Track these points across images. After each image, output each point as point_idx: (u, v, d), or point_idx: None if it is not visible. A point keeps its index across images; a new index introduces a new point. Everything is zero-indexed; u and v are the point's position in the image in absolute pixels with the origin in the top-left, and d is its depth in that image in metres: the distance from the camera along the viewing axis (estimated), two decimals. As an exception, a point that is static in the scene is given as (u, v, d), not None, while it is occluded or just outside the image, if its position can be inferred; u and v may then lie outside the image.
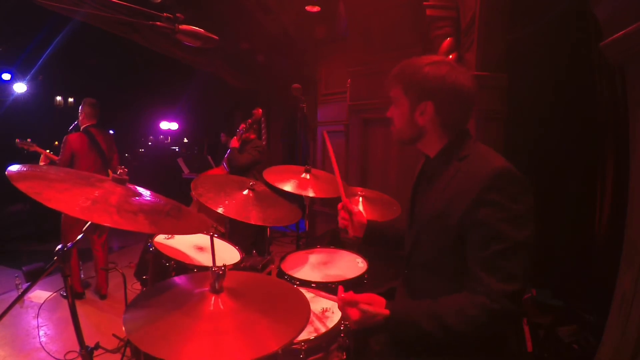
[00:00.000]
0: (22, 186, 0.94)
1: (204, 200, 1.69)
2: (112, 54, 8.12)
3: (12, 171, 1.00)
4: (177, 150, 13.43)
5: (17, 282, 3.18)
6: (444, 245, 1.11)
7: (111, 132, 8.78)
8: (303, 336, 1.25)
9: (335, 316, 1.43)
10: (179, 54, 5.62)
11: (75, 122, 3.39)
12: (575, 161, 2.53)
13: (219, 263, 1.72)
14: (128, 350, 2.01)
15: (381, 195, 2.40)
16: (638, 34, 1.24)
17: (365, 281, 1.80)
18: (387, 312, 1.05)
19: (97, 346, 1.12)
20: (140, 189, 1.20)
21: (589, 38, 2.25)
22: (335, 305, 1.31)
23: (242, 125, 3.52)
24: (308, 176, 2.17)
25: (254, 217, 1.71)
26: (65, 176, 1.11)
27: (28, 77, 8.28)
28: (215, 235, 1.91)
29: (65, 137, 3.17)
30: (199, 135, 12.29)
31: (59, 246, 1.03)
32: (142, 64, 8.14)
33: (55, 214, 2.72)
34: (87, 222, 1.04)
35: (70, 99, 10.51)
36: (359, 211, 1.50)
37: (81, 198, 0.99)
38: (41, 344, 2.49)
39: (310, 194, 2.07)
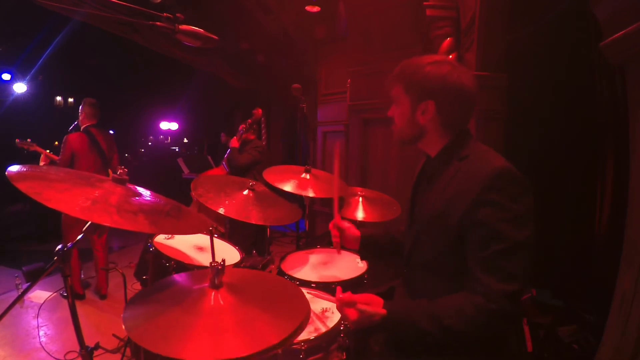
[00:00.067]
0: (22, 186, 0.94)
1: (203, 201, 1.69)
2: (112, 54, 8.13)
3: (12, 171, 1.00)
4: (177, 150, 13.44)
5: (17, 282, 3.18)
6: (444, 245, 1.11)
7: (111, 132, 8.77)
8: (303, 336, 1.25)
9: (335, 316, 1.43)
10: (179, 54, 5.62)
11: (76, 122, 3.39)
12: (575, 161, 2.53)
13: (219, 263, 1.72)
14: (128, 350, 2.01)
15: (381, 195, 2.40)
16: (638, 34, 1.24)
17: (365, 281, 1.80)
18: (384, 311, 1.05)
19: (97, 346, 1.13)
20: (140, 189, 1.21)
21: (589, 38, 2.25)
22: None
23: (242, 126, 3.52)
24: (308, 176, 2.17)
25: (254, 217, 1.71)
26: (65, 176, 1.11)
27: (28, 77, 8.29)
28: (215, 236, 1.91)
29: (65, 137, 3.17)
30: (199, 135, 12.30)
31: (59, 246, 1.03)
32: (142, 64, 8.15)
33: (56, 214, 2.72)
34: (87, 222, 1.04)
35: (70, 99, 10.53)
36: (350, 225, 1.49)
37: (81, 198, 0.99)
38: (41, 344, 2.49)
39: (310, 194, 2.06)
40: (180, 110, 11.84)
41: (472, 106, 1.16)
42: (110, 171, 3.29)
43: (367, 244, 1.48)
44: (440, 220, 1.10)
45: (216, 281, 0.99)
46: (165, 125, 12.93)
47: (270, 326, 0.91)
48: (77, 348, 1.07)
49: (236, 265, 1.85)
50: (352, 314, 1.06)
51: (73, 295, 1.08)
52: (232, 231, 2.63)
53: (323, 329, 1.35)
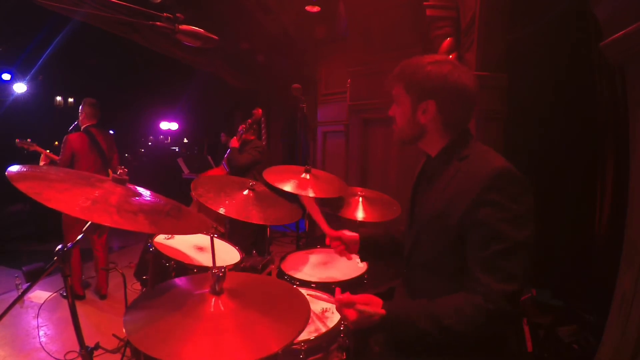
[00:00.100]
0: (22, 186, 0.94)
1: (203, 201, 1.69)
2: (112, 54, 8.13)
3: (12, 171, 1.00)
4: (177, 150, 13.44)
5: (17, 282, 3.17)
6: (444, 246, 1.11)
7: (111, 132, 8.78)
8: (303, 336, 1.25)
9: (335, 316, 1.43)
10: (179, 54, 5.62)
11: (76, 122, 3.39)
12: (575, 161, 2.53)
13: (218, 263, 1.72)
14: (128, 350, 2.01)
15: (381, 195, 2.40)
16: (638, 34, 1.24)
17: (365, 281, 1.80)
18: (384, 311, 1.05)
19: (97, 346, 1.12)
20: (140, 189, 1.20)
21: (589, 38, 2.25)
22: (336, 305, 1.31)
23: (243, 126, 3.52)
24: (308, 176, 2.16)
25: (254, 217, 1.71)
26: (65, 176, 1.10)
27: (28, 77, 8.29)
28: (215, 236, 1.91)
29: (65, 137, 3.17)
30: (199, 135, 12.30)
31: (59, 246, 1.03)
32: (142, 64, 8.14)
33: (56, 214, 2.73)
34: (87, 223, 1.04)
35: (70, 99, 10.53)
36: (344, 231, 1.50)
37: (81, 198, 0.99)
38: (41, 344, 2.49)
39: (310, 194, 2.06)
40: (180, 110, 11.84)
41: (472, 106, 1.16)
42: (110, 171, 3.29)
43: (367, 244, 1.48)
44: (440, 220, 1.10)
45: (217, 287, 0.99)
46: (165, 125, 12.93)
47: (270, 330, 0.91)
48: (77, 348, 1.06)
49: (236, 265, 1.85)
50: (351, 315, 1.06)
51: (73, 295, 1.08)
52: (232, 231, 2.62)
53: (323, 329, 1.35)
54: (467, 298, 1.01)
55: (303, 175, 2.17)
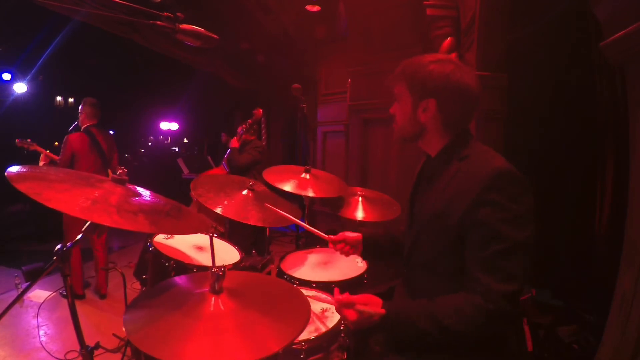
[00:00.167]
0: (22, 187, 0.94)
1: (203, 201, 1.69)
2: (112, 54, 8.13)
3: (11, 172, 1.00)
4: (177, 150, 13.44)
5: (17, 281, 3.17)
6: (444, 245, 1.11)
7: (111, 132, 8.78)
8: (303, 336, 1.25)
9: (335, 316, 1.43)
10: (179, 53, 5.62)
11: (76, 122, 3.38)
12: (575, 161, 2.53)
13: (218, 263, 1.72)
14: (128, 350, 2.01)
15: (381, 195, 2.40)
16: (638, 34, 1.24)
17: (365, 281, 1.80)
18: (383, 311, 1.05)
19: (97, 346, 1.12)
20: (140, 189, 1.20)
21: (589, 38, 2.25)
22: (336, 304, 1.31)
23: (243, 126, 3.52)
24: (308, 176, 2.17)
25: (253, 218, 1.71)
26: (65, 177, 1.11)
27: (28, 77, 8.29)
28: (215, 235, 1.91)
29: (66, 137, 3.17)
30: (199, 135, 12.30)
31: (59, 246, 1.03)
32: (142, 64, 8.15)
33: (56, 214, 2.72)
34: (87, 223, 1.04)
35: (70, 99, 10.52)
36: (345, 233, 1.49)
37: (81, 198, 0.99)
38: (41, 344, 2.49)
39: (310, 193, 2.07)
40: (180, 110, 11.84)
41: (474, 106, 1.16)
42: (110, 171, 3.29)
43: (368, 244, 1.48)
44: (440, 220, 1.10)
45: (217, 287, 0.99)
46: (165, 125, 12.93)
47: (270, 330, 0.91)
48: (77, 347, 1.06)
49: (236, 264, 1.85)
50: (351, 315, 1.06)
51: (73, 294, 1.08)
52: (231, 231, 2.62)
53: (323, 329, 1.35)
54: (467, 298, 1.01)
55: (303, 175, 2.17)
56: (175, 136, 14.33)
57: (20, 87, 8.33)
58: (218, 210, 1.67)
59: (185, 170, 6.77)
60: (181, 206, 1.26)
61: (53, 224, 3.54)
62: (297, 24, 4.69)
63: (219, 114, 8.63)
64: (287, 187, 2.06)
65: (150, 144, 14.49)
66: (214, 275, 0.98)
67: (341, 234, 1.49)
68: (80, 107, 3.33)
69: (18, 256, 4.35)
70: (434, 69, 1.11)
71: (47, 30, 6.43)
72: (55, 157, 3.30)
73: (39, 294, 3.08)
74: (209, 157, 7.08)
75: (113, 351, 2.35)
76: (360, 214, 2.22)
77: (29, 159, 3.56)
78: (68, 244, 1.04)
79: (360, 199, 2.29)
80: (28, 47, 7.22)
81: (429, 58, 1.14)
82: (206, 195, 1.73)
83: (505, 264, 0.98)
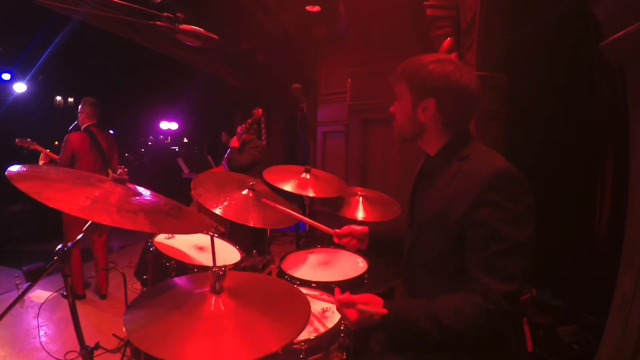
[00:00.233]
0: (22, 186, 0.94)
1: (203, 201, 1.68)
2: (112, 54, 8.12)
3: (12, 171, 1.00)
4: (177, 150, 13.44)
5: (17, 282, 3.17)
6: (444, 245, 1.11)
7: (111, 131, 8.78)
8: (303, 336, 1.25)
9: (335, 316, 1.43)
10: (179, 53, 5.62)
11: (75, 122, 3.38)
12: (575, 161, 2.53)
13: (219, 263, 1.72)
14: (128, 350, 2.01)
15: (381, 195, 2.40)
16: (638, 34, 1.24)
17: (366, 281, 1.80)
18: (384, 311, 1.05)
19: (97, 346, 1.13)
20: (140, 189, 1.21)
21: (589, 38, 2.25)
22: (336, 304, 1.31)
23: (243, 126, 3.52)
24: (308, 176, 2.17)
25: (253, 219, 1.70)
26: (65, 176, 1.11)
27: (28, 77, 8.28)
28: (216, 235, 1.91)
29: (66, 136, 3.17)
30: (199, 135, 12.29)
31: (59, 246, 1.03)
32: (142, 64, 8.14)
33: (56, 214, 2.72)
34: (87, 222, 1.04)
35: (70, 99, 10.51)
36: (352, 226, 1.50)
37: (81, 197, 0.99)
38: (41, 344, 2.49)
39: (310, 193, 2.07)
40: (180, 110, 11.84)
41: (473, 106, 1.16)
42: (110, 171, 3.29)
43: (375, 241, 1.49)
44: (440, 220, 1.10)
45: (217, 286, 0.99)
46: (165, 125, 12.93)
47: (270, 330, 0.91)
48: (77, 348, 1.07)
49: (236, 264, 1.85)
50: (352, 315, 1.06)
51: (73, 295, 1.08)
52: (232, 231, 2.62)
53: (323, 329, 1.35)
54: (467, 298, 1.01)
55: (303, 175, 2.17)
56: (175, 136, 14.33)
57: (20, 87, 8.33)
58: (217, 211, 1.66)
59: (186, 170, 6.77)
60: (181, 206, 1.26)
61: (53, 223, 3.53)
62: (297, 24, 4.68)
63: (219, 114, 8.63)
64: (288, 187, 2.06)
65: (150, 143, 14.49)
66: (215, 275, 0.98)
67: (347, 227, 1.49)
68: (80, 106, 3.33)
69: (18, 256, 4.35)
70: (434, 68, 1.12)
71: (47, 30, 6.42)
72: (55, 157, 3.30)
73: (39, 294, 3.08)
74: (209, 157, 7.07)
75: (113, 351, 2.35)
76: (360, 214, 2.22)
77: (29, 158, 3.57)
78: (69, 244, 1.04)
79: (360, 199, 2.29)
80: (28, 47, 7.21)
81: (429, 58, 1.15)
82: (206, 195, 1.73)
83: (505, 264, 0.98)
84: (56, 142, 5.48)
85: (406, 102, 1.18)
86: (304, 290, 1.24)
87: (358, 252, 2.03)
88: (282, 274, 1.80)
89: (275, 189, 2.03)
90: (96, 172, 2.93)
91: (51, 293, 2.96)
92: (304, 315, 0.99)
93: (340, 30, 4.37)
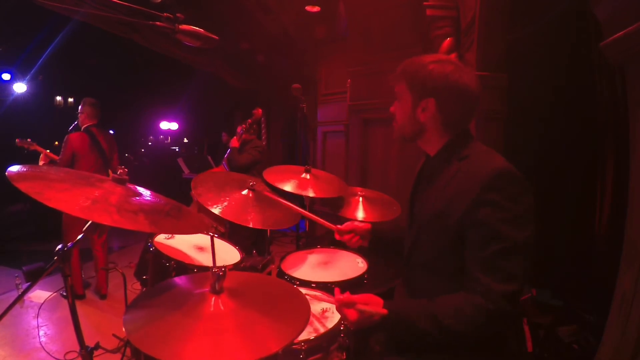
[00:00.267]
0: (22, 186, 0.94)
1: (202, 201, 1.68)
2: (112, 54, 8.13)
3: (12, 172, 1.00)
4: (177, 150, 13.44)
5: (17, 282, 3.17)
6: (444, 245, 1.11)
7: (111, 132, 8.78)
8: (303, 336, 1.25)
9: (335, 316, 1.43)
10: (179, 53, 5.62)
11: (76, 122, 3.38)
12: (575, 161, 2.53)
13: (219, 263, 1.72)
14: (128, 350, 2.01)
15: (381, 195, 2.40)
16: (638, 34, 1.24)
17: (366, 281, 1.80)
18: (384, 311, 1.05)
19: (97, 346, 1.13)
20: (140, 189, 1.20)
21: (589, 38, 2.25)
22: (336, 305, 1.31)
23: (242, 126, 3.52)
24: (308, 176, 2.17)
25: (253, 220, 1.70)
26: (65, 176, 1.11)
27: (28, 77, 8.29)
28: (215, 235, 1.91)
29: (66, 136, 3.17)
30: (199, 135, 12.30)
31: (59, 246, 1.03)
32: (142, 64, 8.14)
33: (56, 214, 2.72)
34: (87, 223, 1.04)
35: (70, 99, 10.52)
36: (354, 221, 1.50)
37: (81, 198, 0.99)
38: (41, 344, 2.49)
39: (310, 194, 2.06)
40: (180, 110, 11.84)
41: (473, 106, 1.16)
42: (110, 171, 3.29)
43: (378, 237, 1.50)
44: (440, 220, 1.11)
45: (217, 287, 0.99)
46: (165, 125, 12.93)
47: (270, 330, 0.91)
48: (77, 348, 1.07)
49: (236, 265, 1.85)
50: (352, 315, 1.06)
51: (73, 295, 1.08)
52: (232, 231, 2.63)
53: (323, 329, 1.35)
54: (467, 298, 1.01)
55: (303, 175, 2.17)
56: (175, 136, 14.34)
57: (20, 87, 8.33)
58: (216, 210, 1.66)
59: (186, 170, 6.78)
60: (181, 206, 1.26)
61: (53, 223, 3.53)
62: (297, 24, 4.68)
63: (219, 114, 8.63)
64: (288, 187, 2.06)
65: (150, 143, 14.49)
66: (215, 276, 0.98)
67: (349, 223, 1.50)
68: (80, 107, 3.33)
69: (18, 256, 4.35)
70: (433, 68, 1.12)
71: (47, 30, 6.43)
72: (55, 157, 3.30)
73: (39, 294, 3.08)
74: (209, 157, 7.08)
75: (113, 351, 2.35)
76: (360, 214, 2.22)
77: (29, 158, 3.56)
78: (69, 244, 1.04)
79: (360, 199, 2.29)
80: (28, 47, 7.22)
81: (429, 58, 1.15)
82: (206, 195, 1.72)
83: (505, 264, 0.98)
84: (56, 143, 5.49)
85: (406, 102, 1.18)
86: (303, 290, 1.24)
87: (358, 252, 2.03)
88: (282, 274, 1.80)
89: (276, 189, 2.03)
90: (96, 172, 2.93)
91: (51, 293, 2.95)
92: (303, 315, 0.99)
93: (340, 30, 4.37)
